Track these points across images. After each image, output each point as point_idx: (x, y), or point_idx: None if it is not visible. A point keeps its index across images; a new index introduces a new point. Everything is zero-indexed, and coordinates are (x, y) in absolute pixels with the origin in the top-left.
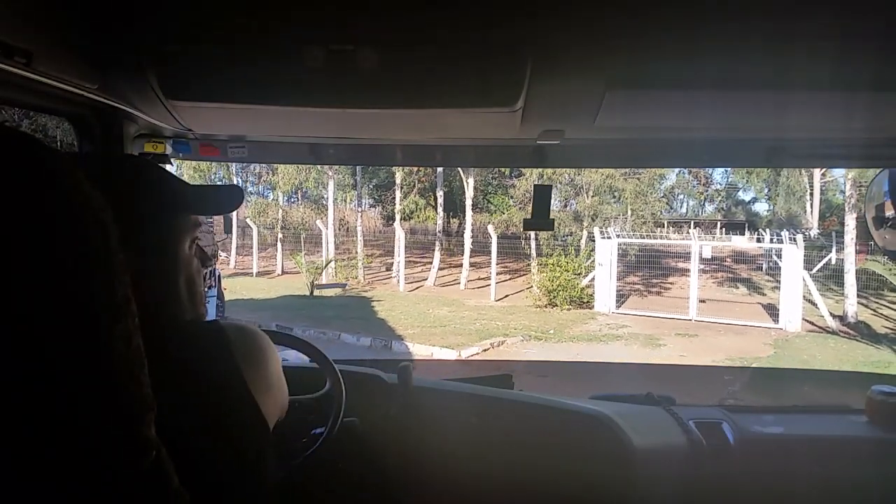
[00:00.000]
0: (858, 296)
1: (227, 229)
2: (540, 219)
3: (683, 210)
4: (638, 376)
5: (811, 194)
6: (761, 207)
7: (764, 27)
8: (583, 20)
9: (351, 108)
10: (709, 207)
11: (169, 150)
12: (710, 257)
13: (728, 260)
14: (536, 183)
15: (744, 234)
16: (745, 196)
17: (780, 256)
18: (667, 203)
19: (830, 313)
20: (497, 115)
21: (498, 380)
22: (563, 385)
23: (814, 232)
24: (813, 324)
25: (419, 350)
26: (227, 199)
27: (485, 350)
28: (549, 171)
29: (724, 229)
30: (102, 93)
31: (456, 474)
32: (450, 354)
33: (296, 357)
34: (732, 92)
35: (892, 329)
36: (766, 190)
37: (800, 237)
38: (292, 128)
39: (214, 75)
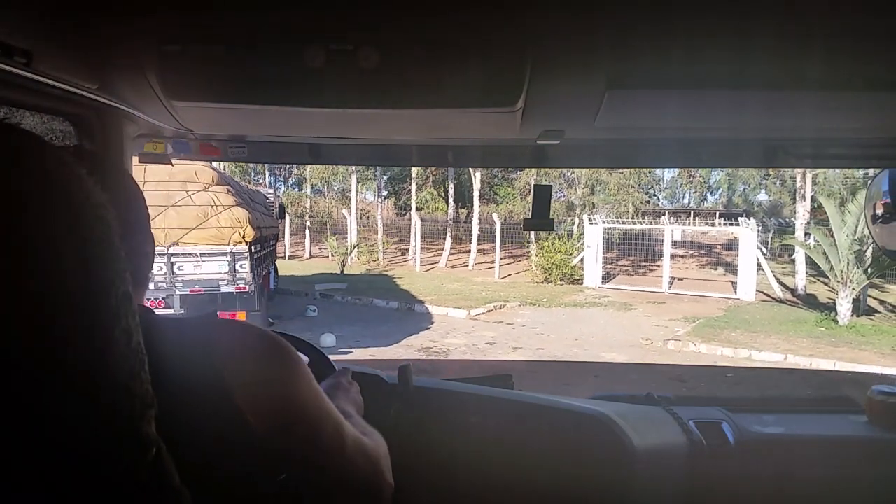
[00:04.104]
0: (827, 274)
1: (281, 215)
2: (540, 218)
3: (686, 200)
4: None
5: (803, 186)
6: (760, 198)
7: (764, 27)
8: (583, 20)
9: (351, 108)
10: (710, 198)
11: (169, 150)
12: (680, 239)
13: (718, 247)
14: (536, 182)
15: (738, 224)
16: (746, 187)
17: (764, 244)
18: (645, 194)
19: (783, 285)
20: (497, 115)
21: (498, 380)
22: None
23: (802, 221)
24: (767, 295)
25: (436, 310)
26: None
27: (489, 311)
28: None
29: (722, 218)
30: (102, 93)
31: (456, 474)
32: (461, 314)
33: None
34: (733, 92)
35: (832, 299)
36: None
37: (753, 222)
38: (292, 128)
39: (214, 75)
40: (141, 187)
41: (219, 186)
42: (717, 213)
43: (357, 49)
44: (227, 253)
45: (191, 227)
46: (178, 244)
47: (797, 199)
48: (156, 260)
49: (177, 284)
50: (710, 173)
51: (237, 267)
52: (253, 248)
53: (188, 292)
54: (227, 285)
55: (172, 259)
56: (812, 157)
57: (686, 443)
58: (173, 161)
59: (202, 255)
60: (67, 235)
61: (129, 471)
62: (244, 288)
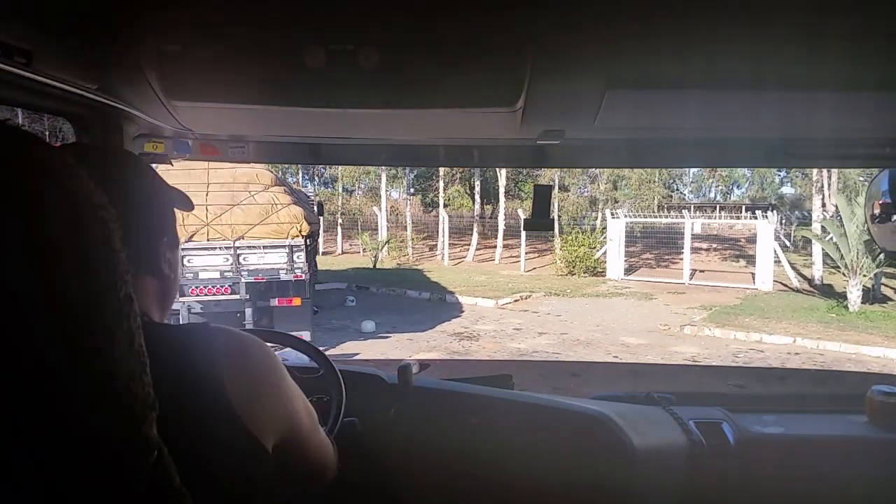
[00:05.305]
0: (838, 263)
1: (319, 212)
2: (540, 219)
3: (712, 195)
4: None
5: (828, 177)
6: (786, 191)
7: (764, 28)
8: (583, 20)
9: (351, 108)
10: (737, 192)
11: (169, 150)
12: (701, 233)
13: (742, 240)
14: (560, 178)
15: (766, 217)
16: (763, 180)
17: (787, 237)
18: (667, 189)
19: (802, 276)
20: (497, 115)
21: (498, 380)
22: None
23: (818, 213)
24: (784, 285)
25: (466, 300)
26: (180, 202)
27: (515, 301)
28: None
29: (749, 212)
30: (102, 93)
31: (456, 474)
32: (489, 303)
33: (295, 357)
34: (733, 92)
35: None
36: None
37: (771, 214)
38: (292, 128)
39: (214, 75)
40: (206, 189)
41: (277, 187)
42: (743, 207)
43: (357, 49)
44: (285, 246)
45: (254, 224)
46: (243, 238)
47: (814, 192)
48: (223, 252)
49: (242, 273)
50: (736, 168)
51: (294, 258)
52: (307, 241)
53: (252, 280)
54: (285, 274)
55: (238, 251)
56: (812, 156)
57: (686, 443)
58: (236, 165)
59: (264, 247)
60: (69, 237)
61: (130, 472)
62: (301, 276)
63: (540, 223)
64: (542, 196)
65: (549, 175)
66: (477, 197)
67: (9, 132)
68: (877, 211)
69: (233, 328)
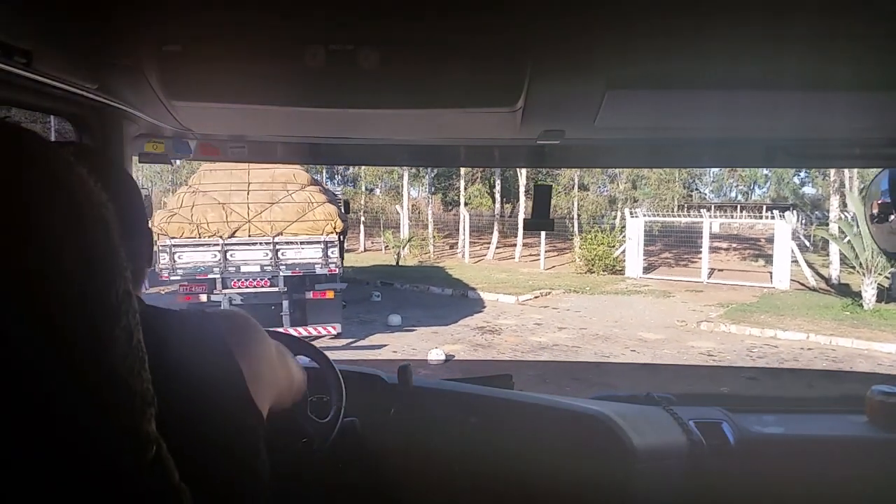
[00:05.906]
0: (853, 262)
1: (346, 210)
2: (540, 218)
3: (733, 194)
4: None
5: (850, 178)
6: (807, 191)
7: (764, 27)
8: (583, 20)
9: (351, 108)
10: (758, 191)
11: (169, 150)
12: (720, 232)
13: (762, 240)
14: (579, 178)
15: (783, 217)
16: (796, 180)
17: (807, 237)
18: (686, 189)
19: (819, 276)
20: (497, 115)
21: (498, 380)
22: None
23: (836, 213)
24: (802, 284)
25: (487, 296)
26: None
27: (535, 297)
28: None
29: (770, 212)
30: (102, 93)
31: (456, 474)
32: (510, 299)
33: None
34: (733, 92)
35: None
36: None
37: (789, 214)
38: (292, 128)
39: (214, 75)
40: (247, 188)
41: (312, 186)
42: (764, 207)
43: (357, 49)
44: (321, 241)
45: (292, 221)
46: (282, 234)
47: (832, 192)
48: (264, 247)
49: (281, 267)
50: (754, 168)
51: (329, 253)
52: (341, 237)
53: (290, 273)
54: (320, 268)
55: (277, 247)
56: (812, 157)
57: (686, 443)
58: (275, 165)
59: (301, 243)
60: (70, 235)
61: (128, 469)
62: (334, 270)
63: (540, 223)
64: (542, 196)
65: (568, 175)
66: (497, 196)
67: (9, 130)
68: (875, 210)
69: (228, 310)
